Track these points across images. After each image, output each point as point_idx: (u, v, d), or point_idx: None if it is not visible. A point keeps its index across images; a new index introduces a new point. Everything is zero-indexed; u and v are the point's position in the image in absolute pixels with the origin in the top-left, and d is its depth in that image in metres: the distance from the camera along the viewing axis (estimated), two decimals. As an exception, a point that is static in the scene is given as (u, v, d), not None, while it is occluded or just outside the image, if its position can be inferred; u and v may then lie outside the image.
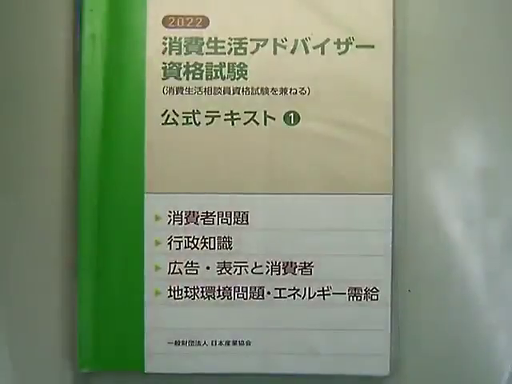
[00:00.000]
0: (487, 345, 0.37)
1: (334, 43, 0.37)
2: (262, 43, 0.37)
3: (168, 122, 0.37)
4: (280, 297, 0.37)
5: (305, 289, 0.37)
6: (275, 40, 0.37)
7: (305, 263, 0.36)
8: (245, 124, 0.37)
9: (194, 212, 0.37)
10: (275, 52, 0.37)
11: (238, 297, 0.37)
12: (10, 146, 0.38)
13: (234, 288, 0.37)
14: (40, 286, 0.38)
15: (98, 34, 0.37)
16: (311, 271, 0.37)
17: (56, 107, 0.38)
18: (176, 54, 0.37)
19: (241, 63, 0.37)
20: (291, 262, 0.37)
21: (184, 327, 0.37)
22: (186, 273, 0.37)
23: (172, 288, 0.37)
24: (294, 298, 0.37)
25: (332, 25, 0.37)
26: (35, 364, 0.38)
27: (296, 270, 0.37)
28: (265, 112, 0.37)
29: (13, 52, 0.38)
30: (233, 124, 0.37)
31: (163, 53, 0.37)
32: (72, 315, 0.37)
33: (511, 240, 0.38)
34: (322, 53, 0.37)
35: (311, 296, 0.37)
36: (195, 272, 0.37)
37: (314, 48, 0.37)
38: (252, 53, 0.37)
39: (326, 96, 0.37)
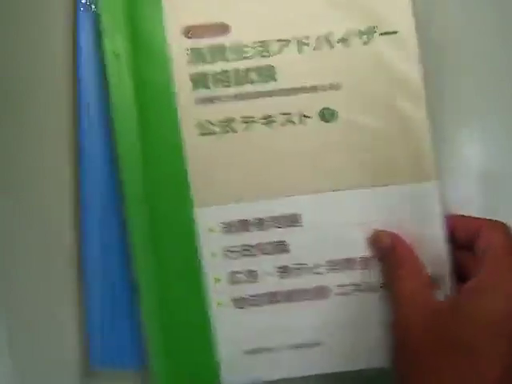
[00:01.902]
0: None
1: (357, 34, 0.37)
2: (285, 43, 0.37)
3: (204, 132, 0.36)
4: (343, 294, 0.36)
5: (366, 283, 0.36)
6: (298, 39, 0.36)
7: (363, 257, 0.36)
8: (282, 126, 0.36)
9: (245, 220, 0.36)
10: (300, 51, 0.37)
11: (302, 299, 0.36)
12: (11, 147, 0.38)
13: (297, 290, 0.36)
14: (46, 288, 0.38)
15: (121, 52, 0.36)
16: (370, 265, 0.36)
17: (56, 107, 0.38)
18: (201, 63, 0.36)
19: (267, 65, 0.37)
20: (350, 258, 0.36)
21: (251, 335, 0.36)
22: (247, 281, 0.36)
23: (234, 298, 0.36)
24: (356, 293, 0.36)
25: (353, 17, 0.37)
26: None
27: (355, 265, 0.36)
28: (299, 111, 0.36)
29: (13, 53, 0.38)
30: (270, 127, 0.36)
31: (188, 64, 0.36)
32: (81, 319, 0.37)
33: None
34: (347, 45, 0.37)
35: (374, 290, 0.36)
36: (255, 279, 0.36)
37: (338, 42, 0.37)
38: (277, 54, 0.36)
39: (356, 87, 0.36)
